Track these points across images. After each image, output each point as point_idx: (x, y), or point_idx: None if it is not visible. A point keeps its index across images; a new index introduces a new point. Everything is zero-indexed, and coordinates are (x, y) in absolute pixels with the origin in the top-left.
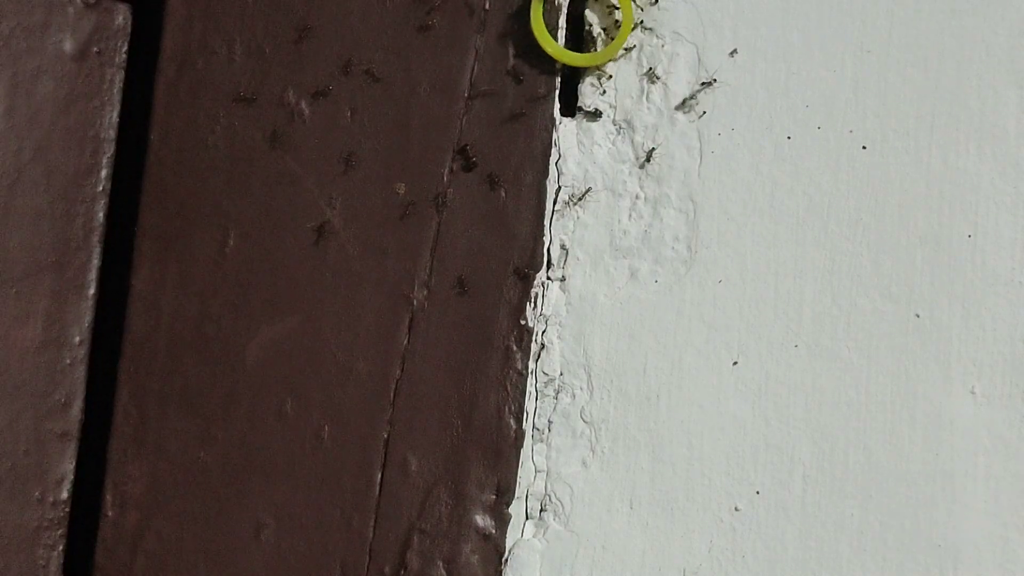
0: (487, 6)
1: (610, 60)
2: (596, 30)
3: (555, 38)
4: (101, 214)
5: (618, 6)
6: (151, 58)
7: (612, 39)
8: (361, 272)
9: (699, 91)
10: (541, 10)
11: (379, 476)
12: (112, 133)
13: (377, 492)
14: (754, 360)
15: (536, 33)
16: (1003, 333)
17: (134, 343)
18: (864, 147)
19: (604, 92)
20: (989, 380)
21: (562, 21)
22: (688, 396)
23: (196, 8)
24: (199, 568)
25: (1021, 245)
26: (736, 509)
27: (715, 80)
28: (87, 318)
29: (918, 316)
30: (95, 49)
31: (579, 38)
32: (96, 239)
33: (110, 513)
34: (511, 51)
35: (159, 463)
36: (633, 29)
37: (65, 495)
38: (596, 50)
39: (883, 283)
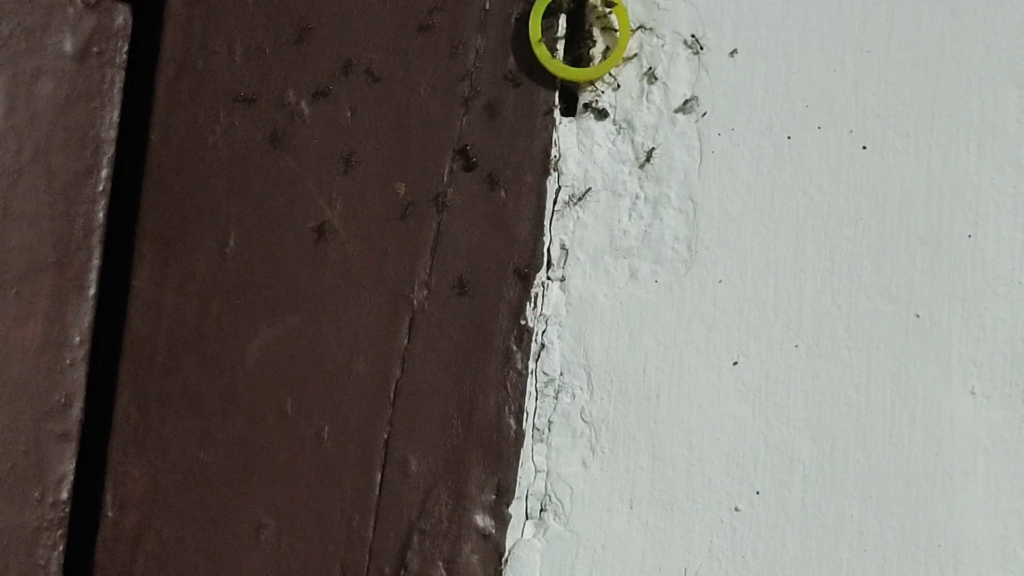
0: (487, 6)
1: (606, 73)
2: (596, 30)
3: (555, 39)
4: (101, 214)
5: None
6: (151, 58)
7: (608, 44)
8: (361, 272)
9: (689, 61)
10: (540, 25)
11: (379, 476)
12: (112, 133)
13: (377, 492)
14: (754, 360)
15: (535, 48)
16: (1003, 333)
17: (134, 343)
18: (864, 147)
19: (602, 94)
20: (989, 380)
21: (562, 21)
22: (688, 396)
23: (196, 8)
24: (199, 568)
25: (1021, 245)
26: (736, 509)
27: (703, 47)
28: (87, 318)
29: (918, 316)
30: (95, 49)
31: (580, 37)
32: (96, 239)
33: (110, 513)
34: (511, 51)
35: (159, 463)
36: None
37: (65, 495)
38: (595, 45)
39: (883, 283)
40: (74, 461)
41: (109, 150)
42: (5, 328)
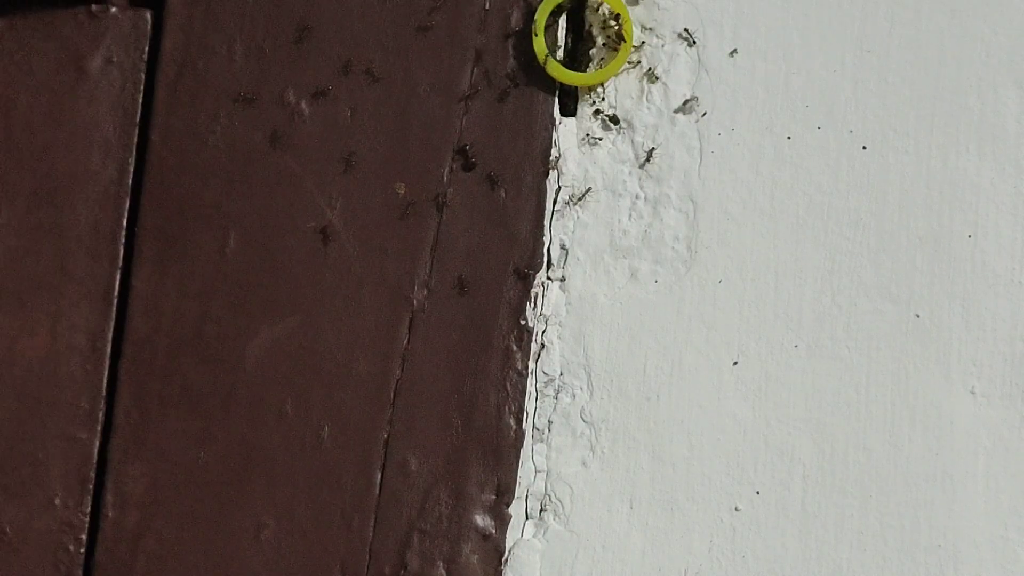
0: (487, 6)
1: (610, 78)
2: (596, 31)
3: (555, 40)
4: (122, 219)
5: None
6: (151, 59)
7: (611, 45)
8: (361, 272)
9: (689, 61)
10: (544, 28)
11: (379, 476)
12: (130, 138)
13: (377, 492)
14: (754, 360)
15: (538, 54)
16: (1003, 333)
17: (135, 343)
18: (864, 147)
19: (603, 100)
20: (989, 380)
21: (563, 22)
22: (688, 396)
23: (196, 8)
24: (199, 568)
25: (1021, 245)
26: (736, 509)
27: (695, 41)
28: (107, 324)
29: (918, 316)
30: (112, 56)
31: (580, 38)
32: (112, 244)
33: (110, 513)
34: (511, 51)
35: (159, 463)
36: (636, 48)
37: (82, 499)
38: (595, 46)
39: (883, 283)
40: (93, 466)
41: (129, 156)
42: (16, 332)
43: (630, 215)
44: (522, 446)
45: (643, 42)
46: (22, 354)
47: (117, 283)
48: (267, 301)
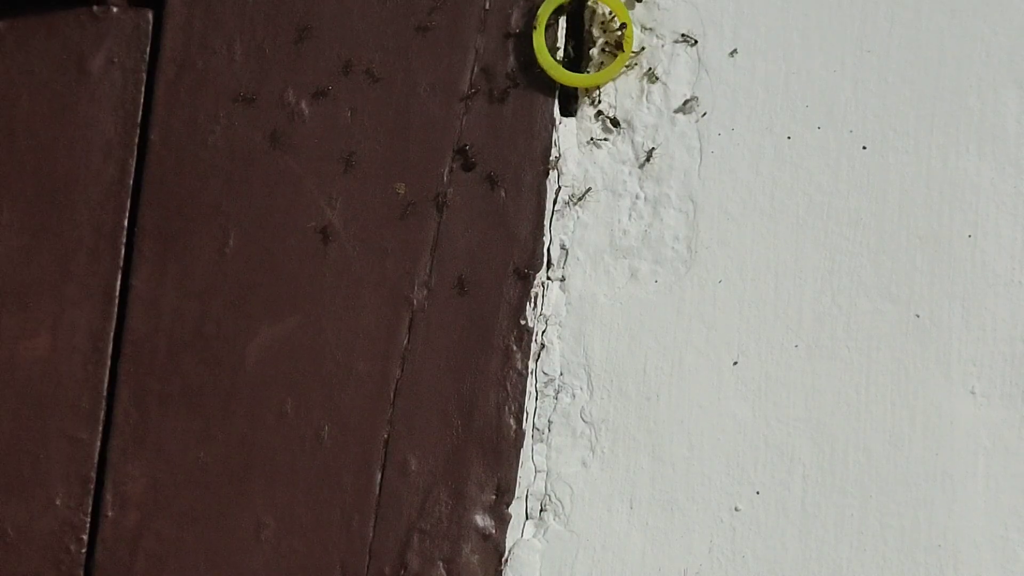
0: (487, 6)
1: (610, 80)
2: (596, 31)
3: (555, 40)
4: (123, 219)
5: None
6: (151, 58)
7: (610, 46)
8: (361, 272)
9: (689, 61)
10: (544, 30)
11: (379, 476)
12: (131, 138)
13: (377, 492)
14: (754, 360)
15: (538, 55)
16: (1003, 333)
17: (134, 343)
18: (864, 147)
19: (601, 100)
20: (989, 380)
21: (563, 23)
22: (688, 396)
23: (196, 8)
24: (199, 568)
25: (1021, 245)
26: (736, 509)
27: (696, 41)
28: (107, 324)
29: (918, 316)
30: (113, 56)
31: (579, 37)
32: (113, 245)
33: (110, 513)
34: (511, 51)
35: (159, 463)
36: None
37: (83, 499)
38: (595, 46)
39: (883, 283)
40: (94, 466)
41: (130, 156)
42: (18, 332)
43: (630, 215)
44: (522, 446)
45: (643, 47)
46: (23, 354)
47: (119, 283)
48: (267, 301)
